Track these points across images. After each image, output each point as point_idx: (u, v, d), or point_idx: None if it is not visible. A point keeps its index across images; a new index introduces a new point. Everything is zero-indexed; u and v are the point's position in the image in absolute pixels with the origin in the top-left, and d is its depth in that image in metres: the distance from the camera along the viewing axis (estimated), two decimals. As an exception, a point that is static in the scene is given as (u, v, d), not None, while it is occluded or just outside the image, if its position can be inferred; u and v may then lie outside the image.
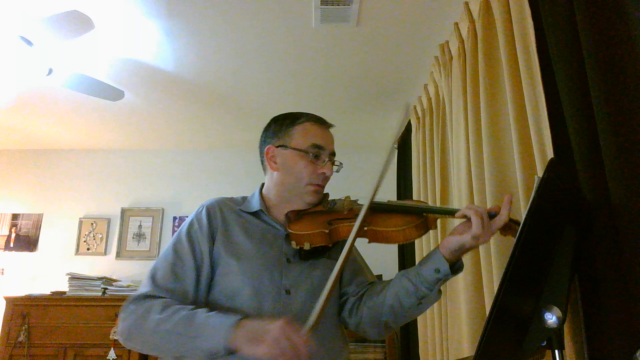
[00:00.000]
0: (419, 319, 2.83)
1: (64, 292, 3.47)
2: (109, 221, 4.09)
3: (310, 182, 1.22)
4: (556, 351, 0.88)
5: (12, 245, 4.02)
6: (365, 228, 1.11)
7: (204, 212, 1.24)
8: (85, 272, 3.65)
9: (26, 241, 4.04)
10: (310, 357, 0.92)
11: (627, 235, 0.96)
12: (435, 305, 2.45)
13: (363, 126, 3.69)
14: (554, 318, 0.88)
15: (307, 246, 1.14)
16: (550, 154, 1.28)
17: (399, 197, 3.67)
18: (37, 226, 4.08)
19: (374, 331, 1.21)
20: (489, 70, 1.80)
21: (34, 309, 3.35)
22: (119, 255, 3.99)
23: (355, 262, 1.32)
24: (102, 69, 2.79)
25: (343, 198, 1.24)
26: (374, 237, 1.12)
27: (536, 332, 0.89)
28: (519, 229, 0.90)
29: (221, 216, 1.23)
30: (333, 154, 1.29)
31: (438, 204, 2.42)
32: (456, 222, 1.11)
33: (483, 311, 1.76)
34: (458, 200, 2.09)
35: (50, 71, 2.42)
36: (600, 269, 1.03)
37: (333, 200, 1.25)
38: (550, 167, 0.97)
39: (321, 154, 1.25)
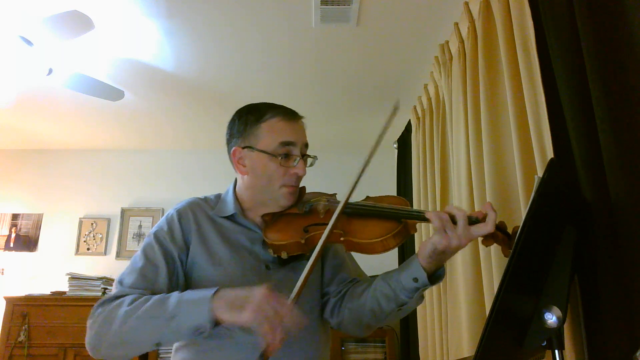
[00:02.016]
0: (419, 319, 2.83)
1: (64, 292, 3.47)
2: (109, 221, 4.09)
3: (283, 184, 1.15)
4: (556, 351, 0.88)
5: (12, 245, 4.02)
6: (342, 238, 1.06)
7: (175, 217, 1.16)
8: (85, 272, 3.66)
9: (26, 241, 4.03)
10: (294, 339, 0.89)
11: (627, 235, 0.96)
12: (435, 305, 2.45)
13: (362, 126, 3.68)
14: (554, 318, 0.87)
15: (284, 255, 1.10)
16: (550, 154, 1.28)
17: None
18: (37, 226, 4.08)
19: (356, 330, 1.18)
20: (489, 70, 1.80)
21: (34, 309, 3.35)
22: (119, 255, 3.99)
23: (336, 257, 1.26)
24: (102, 69, 2.79)
25: (319, 196, 1.18)
26: (351, 247, 1.07)
27: (536, 332, 0.89)
28: (519, 230, 0.90)
29: (194, 221, 1.16)
30: (306, 145, 1.19)
31: (438, 204, 2.42)
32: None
33: (483, 311, 1.75)
34: (458, 200, 2.09)
35: (50, 71, 2.42)
36: (600, 269, 1.03)
37: (309, 200, 1.18)
38: (550, 167, 0.97)
39: (292, 152, 1.15)
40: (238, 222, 1.19)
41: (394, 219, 1.06)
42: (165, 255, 1.10)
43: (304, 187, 1.22)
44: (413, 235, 2.82)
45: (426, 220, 1.02)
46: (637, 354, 0.78)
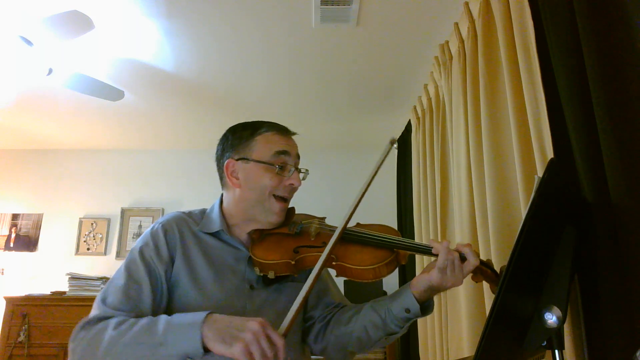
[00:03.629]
0: (419, 319, 2.83)
1: (64, 292, 3.47)
2: (109, 221, 4.09)
3: (274, 192, 1.13)
4: (556, 351, 0.88)
5: (12, 245, 4.02)
6: (334, 262, 1.05)
7: (160, 231, 1.11)
8: (85, 272, 3.66)
9: (26, 241, 4.04)
10: None
11: (627, 235, 0.96)
12: (436, 305, 2.44)
13: (362, 126, 3.69)
14: (554, 318, 0.87)
15: (271, 275, 1.08)
16: (550, 154, 1.28)
17: (399, 198, 3.67)
18: (37, 226, 4.08)
19: (339, 357, 1.17)
20: (489, 70, 1.80)
21: (34, 309, 3.36)
22: (119, 255, 4.00)
23: (320, 281, 1.24)
24: (102, 69, 2.79)
25: (309, 218, 1.17)
26: (343, 272, 1.06)
27: (536, 332, 0.89)
28: (519, 230, 0.90)
29: (180, 237, 1.12)
30: (298, 157, 1.19)
31: (438, 204, 2.42)
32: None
33: (483, 311, 1.76)
34: (458, 200, 2.09)
35: (50, 71, 2.42)
36: (600, 269, 1.03)
37: (300, 222, 1.17)
38: (550, 167, 0.97)
39: (287, 162, 1.15)
40: (223, 240, 1.16)
41: (388, 248, 1.06)
42: (150, 274, 1.06)
43: (293, 208, 1.21)
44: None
45: (419, 252, 1.04)
46: (637, 354, 0.78)
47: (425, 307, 1.05)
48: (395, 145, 3.73)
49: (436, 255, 1.01)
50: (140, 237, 1.14)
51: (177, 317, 0.93)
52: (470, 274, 1.01)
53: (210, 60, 2.73)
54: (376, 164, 1.12)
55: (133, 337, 0.91)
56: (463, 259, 0.99)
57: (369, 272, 1.03)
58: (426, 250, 1.04)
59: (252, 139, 1.16)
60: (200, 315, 0.91)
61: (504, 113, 1.69)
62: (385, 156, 1.14)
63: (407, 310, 1.03)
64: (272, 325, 0.96)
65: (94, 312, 1.00)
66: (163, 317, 0.94)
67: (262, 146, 1.15)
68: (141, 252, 1.08)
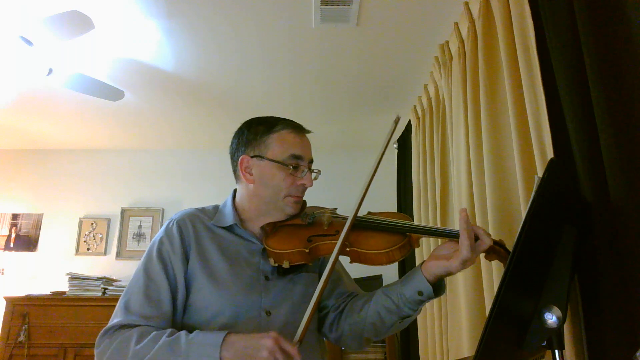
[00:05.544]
0: (419, 319, 2.83)
1: (64, 292, 3.47)
2: (109, 221, 4.09)
3: (289, 194, 1.16)
4: (556, 351, 0.88)
5: (12, 245, 4.02)
6: (348, 249, 1.07)
7: (174, 228, 1.15)
8: (85, 272, 3.66)
9: (26, 241, 4.04)
10: None
11: (627, 235, 0.96)
12: (435, 305, 2.45)
13: (362, 126, 3.69)
14: (554, 318, 0.87)
15: (286, 264, 1.10)
16: (550, 154, 1.28)
17: (399, 198, 3.67)
18: (37, 226, 4.08)
19: (355, 344, 1.19)
20: (489, 70, 1.80)
21: (34, 309, 3.35)
22: (119, 255, 4.00)
23: (334, 272, 1.23)
24: (102, 69, 2.79)
25: (321, 209, 1.20)
26: (357, 258, 1.08)
27: (536, 332, 0.89)
28: (519, 229, 0.90)
29: (194, 232, 1.15)
30: (311, 161, 1.22)
31: (438, 204, 2.42)
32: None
33: (483, 311, 1.76)
34: (458, 200, 2.09)
35: (50, 71, 2.42)
36: (600, 269, 1.03)
37: (312, 212, 1.20)
38: (550, 167, 0.97)
39: (300, 165, 1.17)
40: (237, 233, 1.19)
41: (400, 232, 1.08)
42: (166, 271, 1.10)
43: (304, 201, 1.23)
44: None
45: (431, 235, 1.06)
46: (637, 354, 0.78)
47: (437, 288, 1.06)
48: (395, 146, 3.74)
49: (449, 237, 1.04)
50: (155, 235, 1.18)
51: (196, 337, 0.98)
52: (484, 254, 1.03)
53: (210, 60, 2.73)
54: (383, 143, 1.14)
55: (155, 354, 0.96)
56: (476, 238, 1.00)
57: (382, 256, 1.05)
58: (440, 233, 1.06)
59: (267, 136, 1.18)
60: (218, 336, 0.96)
61: (504, 113, 1.68)
62: (391, 135, 1.16)
63: (420, 293, 1.04)
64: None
65: (117, 318, 1.04)
66: (182, 336, 0.99)
67: (278, 145, 1.17)
68: (157, 249, 1.12)
